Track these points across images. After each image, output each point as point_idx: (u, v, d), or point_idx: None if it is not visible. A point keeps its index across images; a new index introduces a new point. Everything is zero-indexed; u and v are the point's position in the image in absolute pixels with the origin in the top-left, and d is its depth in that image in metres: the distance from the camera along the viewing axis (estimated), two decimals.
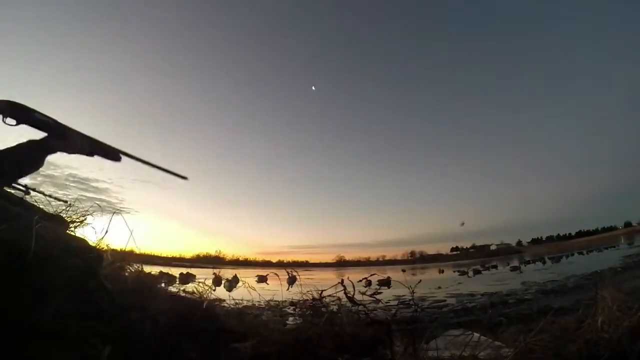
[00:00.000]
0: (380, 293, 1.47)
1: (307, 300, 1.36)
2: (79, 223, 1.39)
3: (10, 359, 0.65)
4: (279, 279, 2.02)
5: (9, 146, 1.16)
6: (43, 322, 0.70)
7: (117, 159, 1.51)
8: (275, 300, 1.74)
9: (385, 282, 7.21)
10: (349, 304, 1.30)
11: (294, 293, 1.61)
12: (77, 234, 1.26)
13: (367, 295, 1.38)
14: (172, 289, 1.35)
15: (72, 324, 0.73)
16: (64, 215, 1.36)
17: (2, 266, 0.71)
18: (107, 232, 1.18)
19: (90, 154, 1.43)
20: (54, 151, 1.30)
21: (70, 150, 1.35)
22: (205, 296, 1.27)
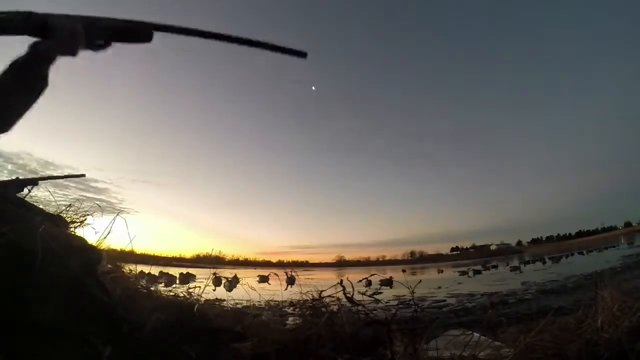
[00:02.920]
0: (380, 293, 1.47)
1: (307, 300, 1.36)
2: (79, 223, 1.40)
3: (11, 358, 0.65)
4: (279, 279, 2.02)
5: None
6: (43, 322, 0.70)
7: (146, 38, 0.99)
8: (275, 300, 1.75)
9: (387, 282, 7.20)
10: (349, 304, 1.30)
11: (294, 293, 1.61)
12: (77, 234, 1.26)
13: (367, 296, 1.38)
14: (172, 288, 1.35)
15: (72, 324, 0.73)
16: (64, 216, 1.36)
17: (5, 267, 0.71)
18: (107, 232, 1.19)
19: (102, 43, 0.97)
20: (49, 57, 0.89)
21: (71, 48, 0.91)
22: (204, 296, 1.27)
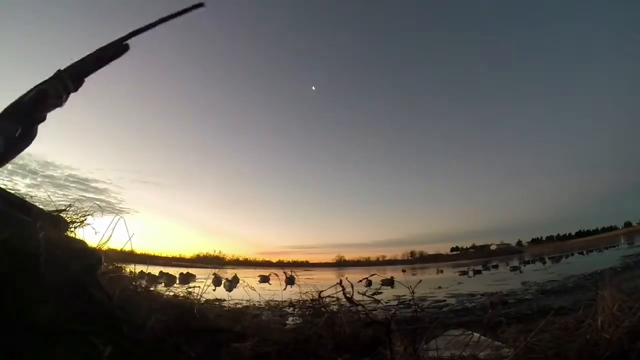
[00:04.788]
0: (380, 293, 1.47)
1: (307, 300, 1.36)
2: (79, 224, 1.39)
3: (11, 358, 0.65)
4: (279, 279, 2.02)
5: None
6: (44, 322, 0.70)
7: (123, 51, 1.11)
8: (275, 301, 1.75)
9: (389, 282, 7.21)
10: (348, 304, 1.30)
11: (294, 293, 1.61)
12: (77, 235, 1.26)
13: (367, 296, 1.39)
14: (172, 288, 1.35)
15: (72, 325, 0.73)
16: (64, 216, 1.35)
17: (7, 272, 0.71)
18: (109, 234, 1.18)
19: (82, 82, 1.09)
20: (40, 118, 1.03)
21: (61, 104, 1.04)
22: (204, 296, 1.27)
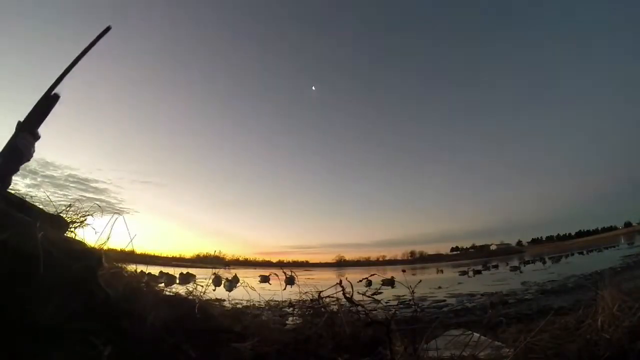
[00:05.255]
0: (380, 293, 1.47)
1: (307, 300, 1.36)
2: (79, 224, 1.39)
3: (12, 358, 0.65)
4: (279, 279, 2.02)
5: None
6: (44, 322, 0.70)
7: (54, 101, 1.27)
8: (275, 301, 1.75)
9: (389, 282, 7.20)
10: (348, 304, 1.30)
11: (294, 293, 1.61)
12: (77, 235, 1.26)
13: (367, 296, 1.39)
14: (172, 288, 1.35)
15: (72, 325, 0.73)
16: (64, 216, 1.35)
17: (6, 274, 0.71)
18: (108, 235, 1.18)
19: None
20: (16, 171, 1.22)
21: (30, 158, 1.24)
22: (204, 296, 1.27)
